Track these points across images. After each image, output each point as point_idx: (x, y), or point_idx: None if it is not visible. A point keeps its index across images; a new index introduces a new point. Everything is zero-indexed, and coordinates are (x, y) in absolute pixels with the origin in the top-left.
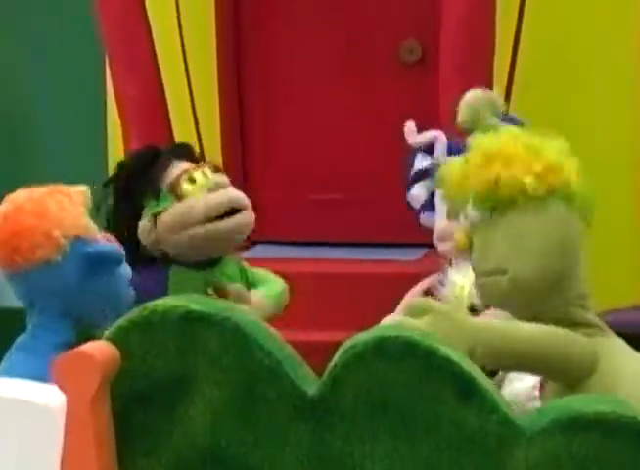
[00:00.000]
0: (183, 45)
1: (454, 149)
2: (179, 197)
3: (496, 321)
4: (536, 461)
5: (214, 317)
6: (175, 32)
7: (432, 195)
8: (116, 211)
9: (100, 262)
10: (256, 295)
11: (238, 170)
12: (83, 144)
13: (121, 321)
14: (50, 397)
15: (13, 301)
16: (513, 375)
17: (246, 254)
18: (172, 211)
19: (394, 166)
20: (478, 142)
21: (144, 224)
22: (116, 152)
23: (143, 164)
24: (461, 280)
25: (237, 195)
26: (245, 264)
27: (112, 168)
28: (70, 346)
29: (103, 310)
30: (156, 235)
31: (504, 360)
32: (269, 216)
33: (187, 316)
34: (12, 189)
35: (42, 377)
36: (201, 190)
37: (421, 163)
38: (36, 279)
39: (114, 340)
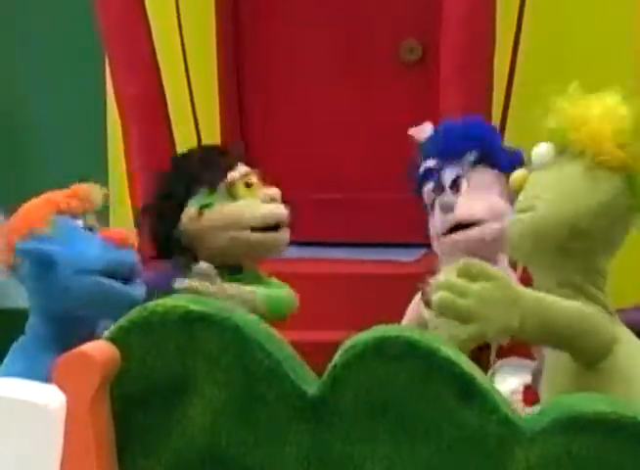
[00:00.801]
0: (183, 45)
1: (454, 135)
2: (233, 197)
3: (541, 293)
4: (537, 461)
5: (214, 317)
6: (175, 32)
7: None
8: (168, 195)
9: (32, 261)
10: (245, 288)
11: None
12: (83, 144)
13: (122, 321)
14: (50, 397)
15: (14, 301)
16: (497, 378)
17: None
18: (224, 209)
19: (394, 166)
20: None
21: (191, 211)
22: (116, 152)
23: (210, 156)
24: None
25: (285, 213)
26: (264, 276)
27: (112, 168)
28: (61, 347)
29: (86, 310)
30: (198, 226)
31: (543, 332)
32: None
33: (187, 316)
34: (11, 189)
35: (31, 377)
36: (254, 197)
37: (425, 131)
38: (22, 282)
39: (114, 340)
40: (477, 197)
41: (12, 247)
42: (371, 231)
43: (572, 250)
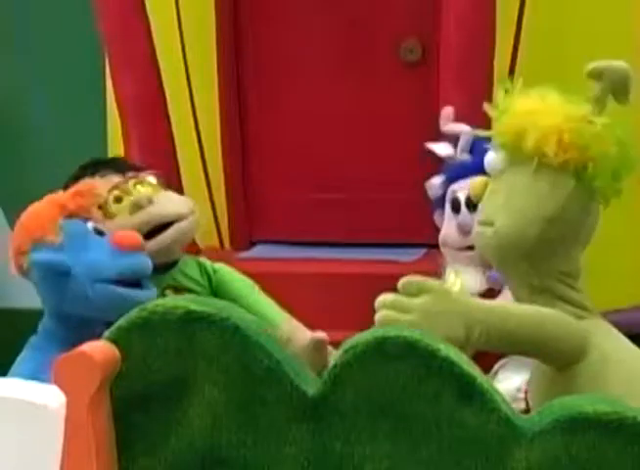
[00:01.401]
0: (183, 44)
1: (478, 148)
2: (109, 218)
3: (493, 301)
4: (537, 461)
5: (214, 317)
6: (175, 31)
7: (444, 194)
8: None
9: (40, 271)
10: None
11: (238, 170)
12: (83, 144)
13: (121, 322)
14: (50, 397)
15: (14, 301)
16: (500, 376)
17: (246, 254)
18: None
19: (395, 166)
20: (537, 94)
21: None
22: (116, 152)
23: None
24: (453, 278)
25: (156, 216)
26: (207, 262)
27: None
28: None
29: (103, 316)
30: None
31: (500, 341)
32: (269, 216)
33: (187, 317)
34: (11, 189)
35: (44, 375)
36: (124, 212)
37: (444, 149)
38: (35, 285)
39: (114, 340)
40: None
41: (22, 251)
42: (371, 231)
43: (538, 256)
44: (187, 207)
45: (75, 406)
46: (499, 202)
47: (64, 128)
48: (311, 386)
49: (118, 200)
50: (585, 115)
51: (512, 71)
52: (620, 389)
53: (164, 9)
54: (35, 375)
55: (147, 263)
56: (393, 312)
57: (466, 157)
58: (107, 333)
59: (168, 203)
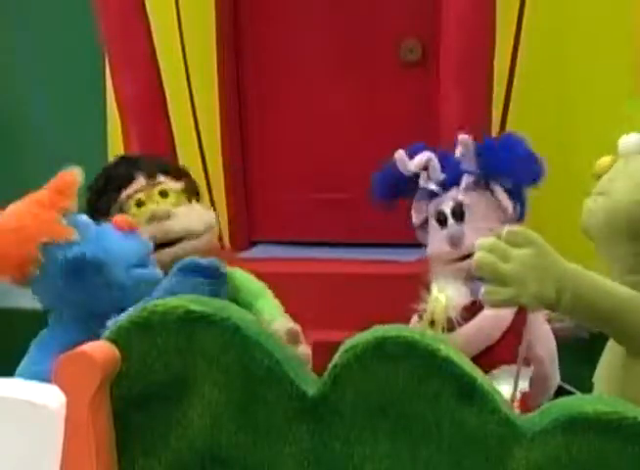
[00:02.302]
0: (183, 44)
1: (448, 162)
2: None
3: (590, 273)
4: (537, 461)
5: (214, 317)
6: (175, 31)
7: (426, 219)
8: None
9: (75, 269)
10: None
11: (238, 170)
12: (83, 144)
13: (121, 321)
14: (50, 397)
15: (14, 301)
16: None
17: (246, 254)
18: None
19: None
20: None
21: None
22: (117, 151)
23: (109, 177)
24: (437, 293)
25: (166, 232)
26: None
27: None
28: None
29: (110, 309)
30: None
31: (586, 312)
32: (269, 216)
33: (187, 316)
34: (11, 189)
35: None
36: (141, 217)
37: (427, 183)
38: (35, 288)
39: (114, 340)
40: (480, 223)
41: (30, 258)
42: (371, 231)
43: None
44: (203, 223)
45: (75, 406)
46: (620, 176)
47: (64, 128)
48: (311, 386)
49: (140, 204)
50: None
51: (512, 71)
52: None
53: (164, 9)
54: None
55: (148, 242)
56: (492, 257)
57: (439, 177)
58: (107, 333)
59: (184, 218)
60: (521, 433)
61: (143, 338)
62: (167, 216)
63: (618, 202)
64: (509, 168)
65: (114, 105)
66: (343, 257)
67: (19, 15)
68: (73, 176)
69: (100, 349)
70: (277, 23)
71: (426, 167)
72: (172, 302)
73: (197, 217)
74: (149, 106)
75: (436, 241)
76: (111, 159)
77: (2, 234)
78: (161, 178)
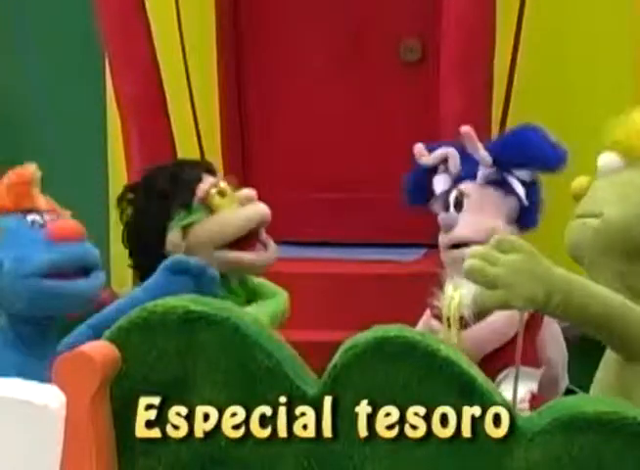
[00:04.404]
0: (183, 44)
1: (467, 158)
2: (212, 210)
3: (579, 276)
4: (537, 461)
5: (214, 317)
6: (175, 31)
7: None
8: (144, 223)
9: None
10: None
11: (238, 170)
12: (83, 144)
13: (121, 322)
14: (50, 397)
15: None
16: (503, 387)
17: None
18: (207, 226)
19: (394, 166)
20: None
21: (174, 236)
22: (117, 151)
23: (172, 176)
24: (451, 291)
25: (266, 209)
26: (249, 278)
27: (112, 168)
28: (25, 345)
29: (37, 312)
30: (186, 247)
31: (576, 315)
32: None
33: (187, 316)
34: None
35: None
36: (231, 203)
37: (441, 184)
38: None
39: (114, 340)
40: (477, 216)
41: None
42: (371, 231)
43: (635, 254)
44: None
45: (75, 406)
46: (610, 196)
47: (64, 128)
48: (311, 386)
49: (222, 194)
50: None
51: (512, 71)
52: None
53: (164, 9)
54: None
55: (84, 252)
56: (482, 262)
57: (459, 169)
58: (107, 333)
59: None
60: (521, 433)
61: (143, 338)
62: (256, 199)
63: (613, 223)
64: (521, 155)
65: (115, 105)
66: (343, 257)
67: (19, 15)
68: (20, 176)
69: (100, 349)
70: (277, 22)
71: (445, 161)
72: (172, 302)
73: None
74: (149, 106)
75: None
76: (110, 159)
77: None
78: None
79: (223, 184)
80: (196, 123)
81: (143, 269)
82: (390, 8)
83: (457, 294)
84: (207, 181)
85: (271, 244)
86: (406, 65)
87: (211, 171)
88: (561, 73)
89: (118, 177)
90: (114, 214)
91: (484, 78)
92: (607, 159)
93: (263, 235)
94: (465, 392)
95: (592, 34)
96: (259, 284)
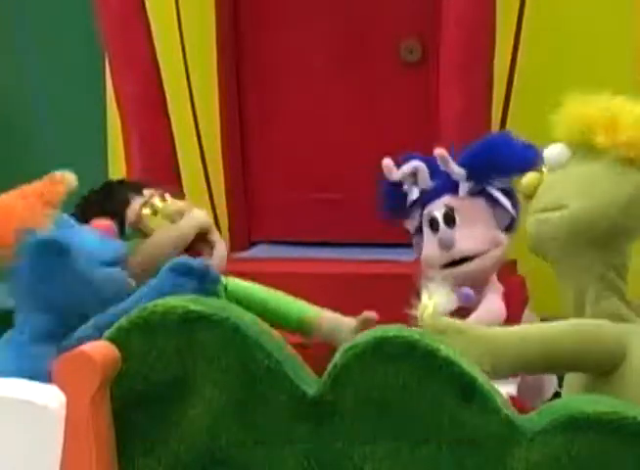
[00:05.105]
0: (183, 44)
1: (436, 171)
2: (145, 234)
3: (513, 328)
4: (537, 461)
5: (214, 317)
6: (175, 31)
7: (420, 223)
8: None
9: (41, 252)
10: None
11: (238, 170)
12: (83, 144)
13: (121, 322)
14: (50, 397)
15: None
16: None
17: (246, 254)
18: (145, 251)
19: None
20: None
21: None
22: (117, 151)
23: (99, 205)
24: (426, 300)
25: (199, 217)
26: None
27: (112, 168)
28: (55, 339)
29: (79, 303)
30: (130, 271)
31: (525, 367)
32: (269, 216)
33: (186, 317)
34: (11, 188)
35: (36, 377)
36: (164, 221)
37: (412, 194)
38: (9, 279)
39: (114, 340)
40: (473, 228)
41: (5, 244)
42: (371, 231)
43: (607, 244)
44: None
45: (75, 406)
46: (569, 188)
47: (64, 128)
48: (311, 386)
49: (154, 211)
50: None
51: (512, 71)
52: None
53: (164, 9)
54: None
55: (122, 247)
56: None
57: (429, 184)
58: (107, 333)
59: (202, 213)
60: (521, 433)
61: (143, 338)
62: (191, 208)
63: (578, 215)
64: (493, 162)
65: (114, 105)
66: (343, 257)
67: (19, 15)
68: (65, 177)
69: (100, 349)
70: (277, 22)
71: (414, 175)
72: (172, 302)
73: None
74: (149, 106)
75: (429, 245)
76: (110, 159)
77: None
78: (147, 191)
79: (156, 199)
80: (196, 123)
81: None
82: (390, 8)
83: (431, 302)
84: (136, 203)
85: (218, 244)
86: (406, 65)
87: (138, 190)
88: (561, 73)
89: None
90: None
91: (484, 78)
92: (555, 151)
93: (211, 236)
94: (465, 392)
95: (592, 34)
96: (230, 282)
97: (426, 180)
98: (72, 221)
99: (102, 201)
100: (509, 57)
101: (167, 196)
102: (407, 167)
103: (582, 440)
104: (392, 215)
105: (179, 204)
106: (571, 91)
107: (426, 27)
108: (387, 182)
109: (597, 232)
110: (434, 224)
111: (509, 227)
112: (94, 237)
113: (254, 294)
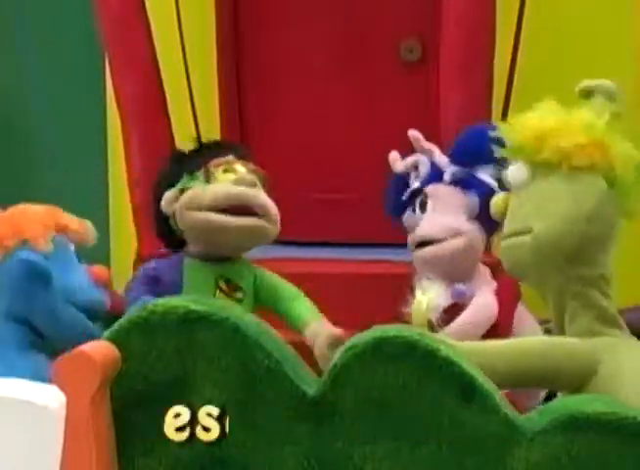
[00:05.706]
0: (183, 44)
1: (437, 168)
2: (208, 181)
3: (483, 343)
4: (537, 461)
5: (214, 317)
6: (175, 31)
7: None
8: (157, 182)
9: (24, 271)
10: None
11: None
12: (83, 144)
13: (122, 321)
14: (50, 397)
15: None
16: None
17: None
18: (191, 191)
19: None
20: (539, 109)
21: (169, 195)
22: (117, 151)
23: (202, 146)
24: (420, 296)
25: (248, 195)
26: (258, 270)
27: (112, 168)
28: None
29: (52, 330)
30: (175, 208)
31: (500, 381)
32: None
33: (187, 316)
34: (11, 188)
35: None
36: (227, 180)
37: (413, 184)
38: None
39: (114, 340)
40: (440, 215)
41: (3, 244)
42: (371, 231)
43: (579, 258)
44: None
45: (75, 406)
46: (533, 211)
47: (64, 128)
48: (311, 386)
49: (226, 171)
50: (594, 118)
51: (512, 71)
52: (636, 399)
53: (164, 9)
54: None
55: (105, 302)
56: None
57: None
58: (107, 333)
59: (264, 196)
60: (521, 433)
61: (143, 338)
62: (254, 184)
63: (543, 238)
64: (479, 148)
65: (114, 105)
66: (343, 257)
67: (19, 15)
68: (89, 229)
69: (100, 349)
70: (277, 22)
71: (417, 168)
72: (172, 301)
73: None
74: (149, 106)
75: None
76: (110, 159)
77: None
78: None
79: (236, 165)
80: (196, 123)
81: (163, 238)
82: (390, 8)
83: (425, 298)
84: (224, 159)
85: (270, 212)
86: (406, 65)
87: (240, 155)
88: (561, 73)
89: (118, 177)
90: (114, 214)
91: (484, 78)
92: (515, 172)
93: (258, 208)
94: (465, 392)
95: (592, 34)
96: (271, 279)
97: (425, 172)
98: (73, 253)
99: (203, 146)
100: (509, 57)
101: (249, 169)
102: (410, 159)
103: (582, 440)
104: (396, 211)
105: (250, 176)
106: (571, 91)
107: (426, 27)
108: (393, 178)
109: (565, 250)
110: (414, 210)
111: (484, 218)
112: (83, 277)
113: (276, 294)
